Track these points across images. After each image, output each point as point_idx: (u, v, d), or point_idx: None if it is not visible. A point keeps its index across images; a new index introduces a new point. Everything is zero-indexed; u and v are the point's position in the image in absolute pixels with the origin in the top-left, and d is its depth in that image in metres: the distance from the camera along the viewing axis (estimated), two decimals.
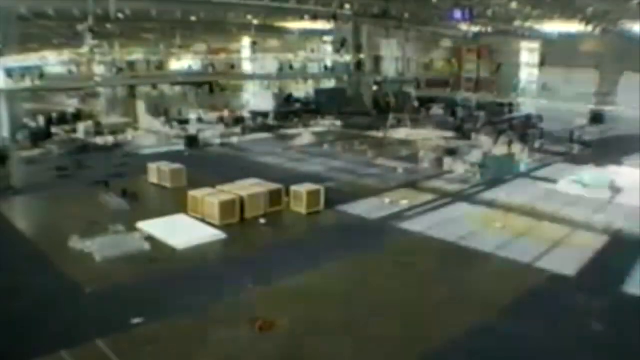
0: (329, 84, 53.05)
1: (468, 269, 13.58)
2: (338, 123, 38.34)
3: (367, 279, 12.89)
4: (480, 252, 14.54)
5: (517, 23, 42.42)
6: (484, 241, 15.26)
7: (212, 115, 40.09)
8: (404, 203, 19.26)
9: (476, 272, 13.45)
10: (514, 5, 32.22)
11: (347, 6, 36.06)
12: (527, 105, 47.98)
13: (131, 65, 53.17)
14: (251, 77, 51.33)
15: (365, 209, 18.65)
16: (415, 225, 16.91)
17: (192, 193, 18.12)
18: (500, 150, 25.62)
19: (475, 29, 44.87)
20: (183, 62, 58.71)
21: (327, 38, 53.38)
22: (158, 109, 39.52)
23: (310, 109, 44.39)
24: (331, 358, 9.46)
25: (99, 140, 31.56)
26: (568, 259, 13.85)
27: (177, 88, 48.26)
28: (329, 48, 52.83)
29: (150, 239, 15.14)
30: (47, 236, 15.82)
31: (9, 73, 29.28)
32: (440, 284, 12.65)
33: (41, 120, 35.09)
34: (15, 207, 19.28)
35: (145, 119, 37.36)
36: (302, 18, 37.91)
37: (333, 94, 48.06)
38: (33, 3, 28.94)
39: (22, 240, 15.54)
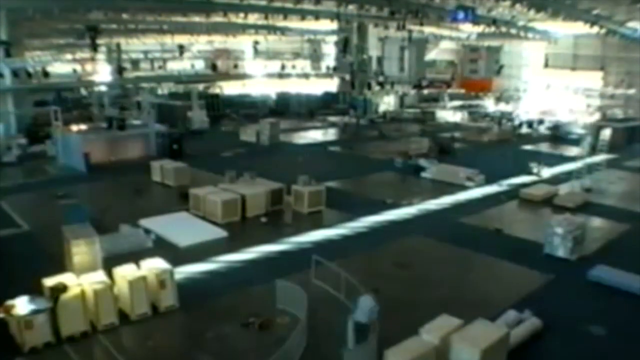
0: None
1: None
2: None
3: None
4: None
5: (520, 24, 42.36)
6: None
7: None
8: None
9: None
10: (517, 7, 32.15)
11: (351, 7, 35.97)
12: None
13: (135, 64, 53.52)
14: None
15: None
16: None
17: (194, 191, 18.26)
18: None
19: (478, 29, 44.78)
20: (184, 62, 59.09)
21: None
22: None
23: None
24: None
25: None
26: None
27: None
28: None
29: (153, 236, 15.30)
30: None
31: (15, 72, 29.39)
32: None
33: None
34: None
35: None
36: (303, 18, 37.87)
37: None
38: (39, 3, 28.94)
39: None
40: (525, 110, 46.90)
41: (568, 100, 48.00)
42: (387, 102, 49.51)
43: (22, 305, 9.96)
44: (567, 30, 43.76)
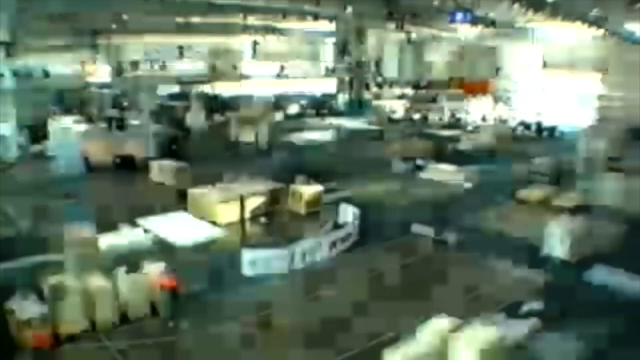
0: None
1: None
2: None
3: None
4: None
5: (518, 25, 42.43)
6: None
7: None
8: None
9: None
10: (515, 7, 32.21)
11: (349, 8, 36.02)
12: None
13: (134, 64, 53.53)
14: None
15: None
16: None
17: (193, 191, 18.28)
18: None
19: (477, 30, 44.87)
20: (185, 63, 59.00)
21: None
22: None
23: None
24: None
25: None
26: None
27: None
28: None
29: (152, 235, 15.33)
30: None
31: (15, 73, 29.34)
32: None
33: None
34: None
35: None
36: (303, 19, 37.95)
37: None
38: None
39: None
40: (523, 111, 46.94)
41: (566, 101, 48.04)
42: (390, 106, 49.31)
43: (21, 305, 10.00)
44: (565, 32, 43.80)
